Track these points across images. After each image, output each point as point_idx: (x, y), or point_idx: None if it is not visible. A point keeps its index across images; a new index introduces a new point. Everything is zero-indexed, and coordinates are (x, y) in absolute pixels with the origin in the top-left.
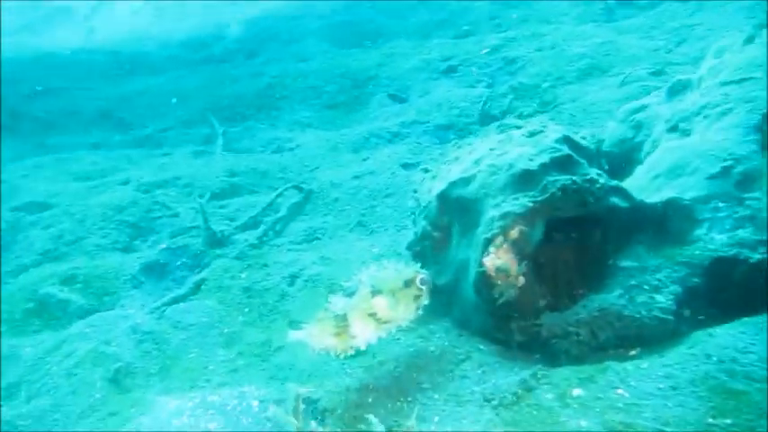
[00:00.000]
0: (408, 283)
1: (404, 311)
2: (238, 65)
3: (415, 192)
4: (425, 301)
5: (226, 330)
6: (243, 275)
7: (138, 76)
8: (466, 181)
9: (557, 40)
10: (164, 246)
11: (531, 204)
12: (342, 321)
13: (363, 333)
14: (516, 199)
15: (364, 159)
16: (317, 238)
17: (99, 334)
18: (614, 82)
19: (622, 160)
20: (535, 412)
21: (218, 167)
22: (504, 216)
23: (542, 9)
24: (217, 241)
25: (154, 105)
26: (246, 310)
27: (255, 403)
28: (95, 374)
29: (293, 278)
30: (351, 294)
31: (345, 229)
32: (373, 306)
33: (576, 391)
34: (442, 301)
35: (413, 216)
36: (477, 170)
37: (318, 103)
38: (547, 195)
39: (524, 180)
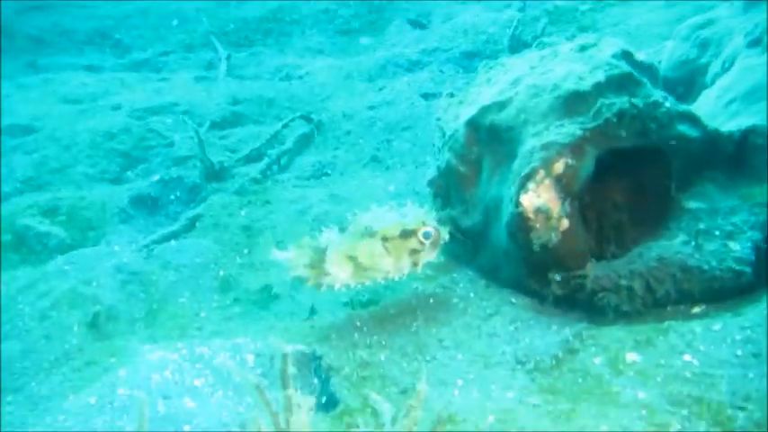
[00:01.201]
0: (406, 234)
1: (393, 264)
2: None
3: (439, 119)
4: (429, 257)
5: (221, 273)
6: (242, 212)
7: None
8: (501, 105)
9: None
10: (156, 177)
11: (580, 132)
12: (319, 254)
13: (338, 273)
14: (562, 126)
15: (380, 89)
16: (327, 174)
17: (79, 272)
18: (663, 3)
19: (683, 86)
20: (580, 380)
21: (221, 94)
22: (546, 146)
23: None
24: (215, 174)
25: (154, 27)
26: (245, 251)
27: (251, 357)
28: (72, 318)
29: (299, 216)
30: (344, 230)
31: (358, 164)
32: (356, 249)
33: (632, 356)
34: (467, 247)
35: (435, 148)
36: (514, 92)
37: (331, 28)
38: (600, 122)
39: (573, 103)
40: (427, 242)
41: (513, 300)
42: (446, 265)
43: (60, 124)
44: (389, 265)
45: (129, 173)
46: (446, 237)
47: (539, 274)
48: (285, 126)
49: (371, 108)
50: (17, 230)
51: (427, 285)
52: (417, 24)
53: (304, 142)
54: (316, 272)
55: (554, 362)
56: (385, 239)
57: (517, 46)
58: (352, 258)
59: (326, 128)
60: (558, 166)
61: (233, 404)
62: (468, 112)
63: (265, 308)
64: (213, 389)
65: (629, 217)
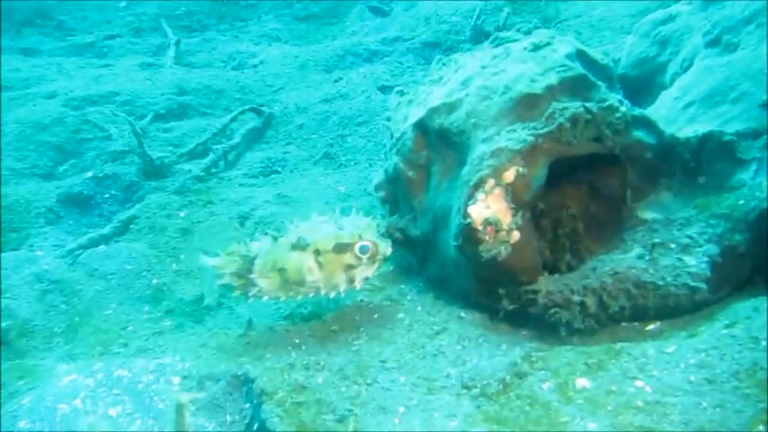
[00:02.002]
0: (341, 248)
1: (325, 280)
2: None
3: (388, 120)
4: (367, 273)
5: (154, 281)
6: (182, 214)
7: None
8: (450, 107)
9: None
10: (90, 174)
11: (531, 139)
12: (248, 263)
13: (264, 286)
14: (513, 131)
15: (336, 80)
16: (276, 172)
17: None
18: None
19: (641, 85)
20: (527, 407)
21: (166, 83)
22: (496, 153)
23: None
24: (155, 171)
25: (100, 8)
26: (182, 256)
27: (176, 380)
28: None
29: (242, 219)
30: (276, 239)
31: (310, 161)
32: (285, 262)
33: (582, 382)
34: (416, 257)
35: (384, 149)
36: (464, 93)
37: (289, 13)
38: (553, 127)
39: (525, 107)
40: (364, 257)
41: (463, 314)
42: (395, 276)
43: None
44: (320, 281)
45: (61, 168)
46: (387, 251)
47: (489, 288)
48: (234, 119)
49: (326, 101)
50: None
51: (374, 297)
52: (379, 11)
53: (254, 137)
54: (242, 282)
55: (501, 387)
56: (318, 253)
57: (479, 36)
58: (281, 271)
59: (278, 121)
60: (509, 175)
61: None
62: (416, 113)
63: (200, 321)
64: (131, 418)
65: (585, 226)
